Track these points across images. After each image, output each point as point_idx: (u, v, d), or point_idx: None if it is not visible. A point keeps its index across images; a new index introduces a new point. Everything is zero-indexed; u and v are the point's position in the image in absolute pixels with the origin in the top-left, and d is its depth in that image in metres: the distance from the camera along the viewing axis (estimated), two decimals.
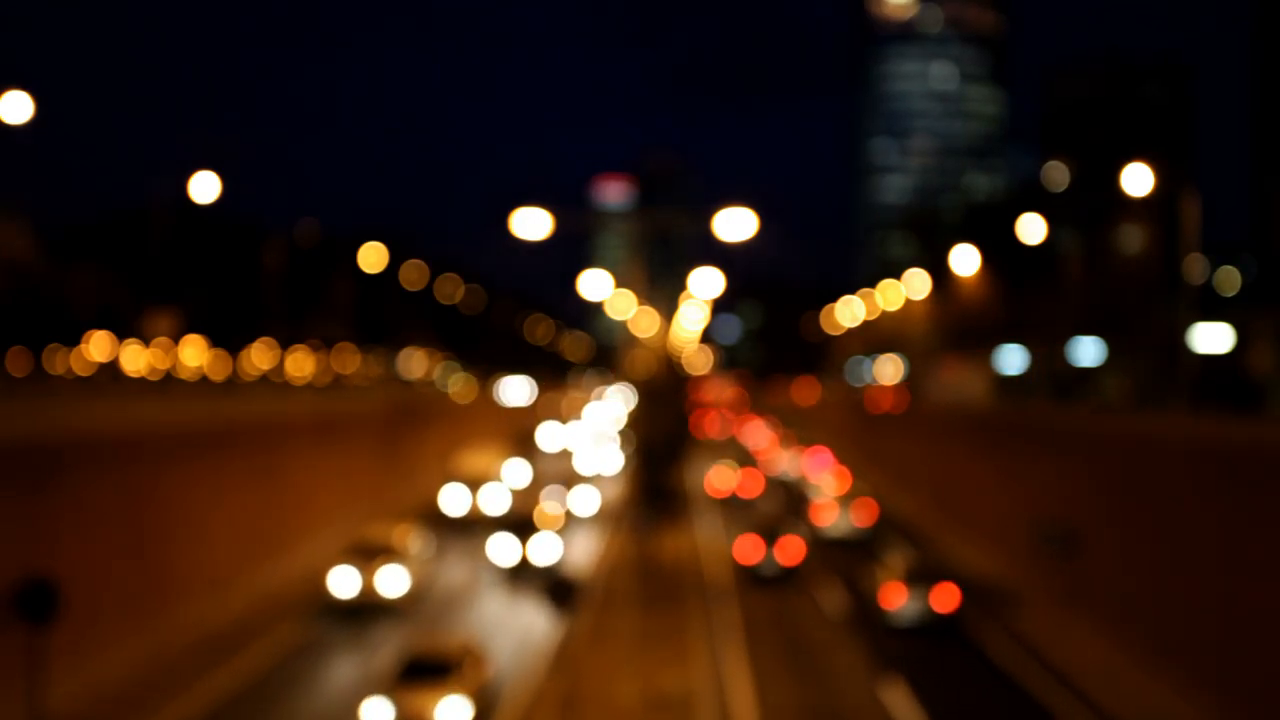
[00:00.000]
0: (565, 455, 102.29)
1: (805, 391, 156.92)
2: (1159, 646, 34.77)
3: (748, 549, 50.83)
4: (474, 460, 73.74)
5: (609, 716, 31.03)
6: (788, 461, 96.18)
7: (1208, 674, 31.80)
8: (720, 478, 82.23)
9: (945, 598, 41.48)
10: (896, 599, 41.59)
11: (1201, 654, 32.29)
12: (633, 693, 32.61)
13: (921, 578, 42.14)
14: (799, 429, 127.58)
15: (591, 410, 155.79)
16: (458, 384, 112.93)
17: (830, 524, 63.42)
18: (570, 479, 79.34)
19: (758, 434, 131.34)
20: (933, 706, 32.84)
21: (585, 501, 68.87)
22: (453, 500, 65.02)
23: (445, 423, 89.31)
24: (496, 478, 69.68)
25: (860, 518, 63.58)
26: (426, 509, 65.10)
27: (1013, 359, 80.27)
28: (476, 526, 60.83)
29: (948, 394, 78.86)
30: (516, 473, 75.49)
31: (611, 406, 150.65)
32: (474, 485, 66.17)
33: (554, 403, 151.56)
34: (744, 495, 78.19)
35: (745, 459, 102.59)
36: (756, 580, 49.73)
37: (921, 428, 75.99)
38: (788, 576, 50.22)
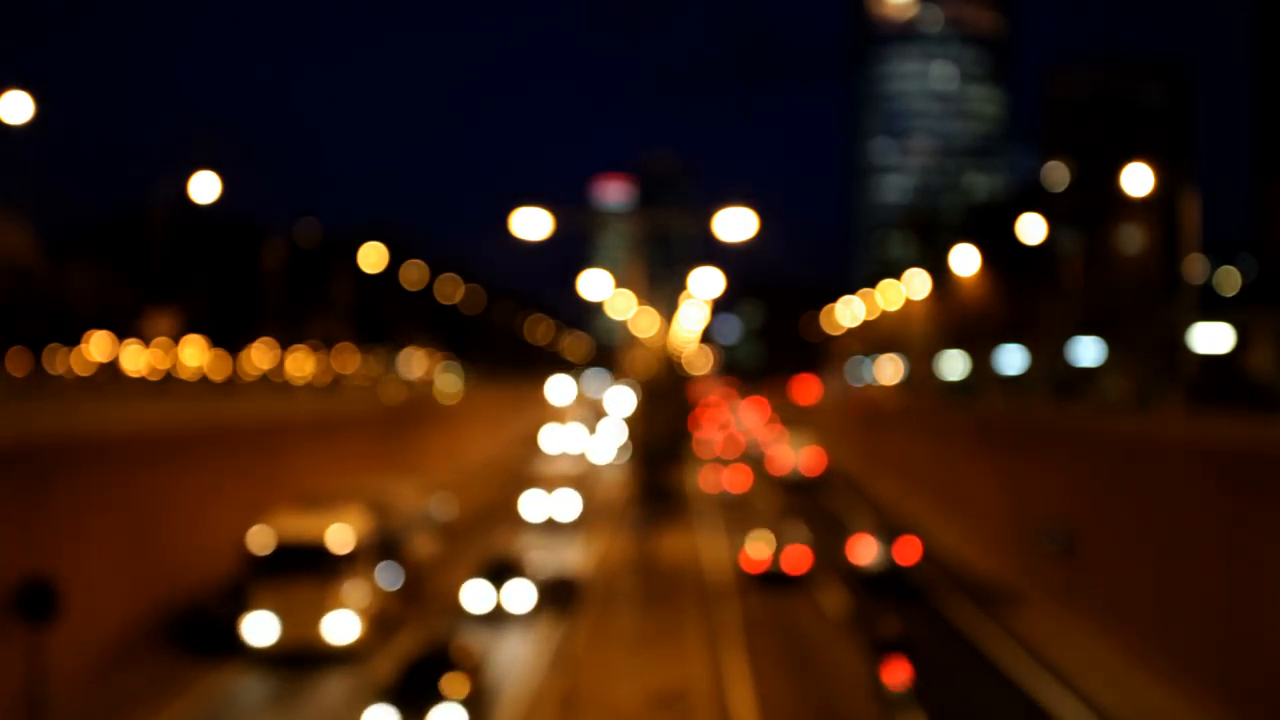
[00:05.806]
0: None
1: (799, 391, 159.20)
2: (1158, 645, 34.77)
3: (754, 557, 50.27)
4: None
5: (609, 716, 31.05)
6: (736, 410, 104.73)
7: (1207, 673, 31.80)
8: (712, 479, 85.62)
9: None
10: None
11: (1201, 653, 32.29)
12: (633, 693, 32.63)
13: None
14: (798, 426, 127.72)
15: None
16: (449, 384, 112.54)
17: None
18: None
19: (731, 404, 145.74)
20: (933, 706, 32.81)
21: None
22: None
23: (442, 423, 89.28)
24: None
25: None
26: None
27: (1013, 359, 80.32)
28: None
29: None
30: None
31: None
32: None
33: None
34: (733, 490, 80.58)
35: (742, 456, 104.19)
36: (760, 583, 49.04)
37: (919, 428, 75.95)
38: (791, 582, 49.45)
